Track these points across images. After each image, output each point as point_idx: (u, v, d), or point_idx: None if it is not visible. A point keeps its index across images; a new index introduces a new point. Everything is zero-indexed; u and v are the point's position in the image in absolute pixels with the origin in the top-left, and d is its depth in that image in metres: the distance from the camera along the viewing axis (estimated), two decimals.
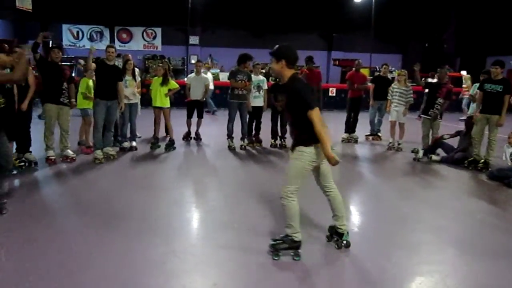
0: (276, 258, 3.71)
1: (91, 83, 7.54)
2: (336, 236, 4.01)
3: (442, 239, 4.44)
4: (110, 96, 7.05)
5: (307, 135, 3.57)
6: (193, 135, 9.06)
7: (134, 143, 8.05)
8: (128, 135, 8.16)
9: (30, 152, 6.61)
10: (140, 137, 8.74)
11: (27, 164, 6.45)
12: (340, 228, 3.96)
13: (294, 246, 3.75)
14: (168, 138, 8.37)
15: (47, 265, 3.53)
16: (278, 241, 3.78)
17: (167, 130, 8.52)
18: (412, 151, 8.11)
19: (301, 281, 3.48)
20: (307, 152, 3.59)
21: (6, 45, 6.89)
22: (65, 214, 4.78)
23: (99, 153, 7.01)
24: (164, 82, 7.96)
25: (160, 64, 8.50)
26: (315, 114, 3.47)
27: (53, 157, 6.80)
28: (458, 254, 4.09)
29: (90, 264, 3.57)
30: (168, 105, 8.10)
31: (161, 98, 7.95)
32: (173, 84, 8.14)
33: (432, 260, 3.97)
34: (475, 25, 20.24)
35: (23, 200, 5.13)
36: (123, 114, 7.76)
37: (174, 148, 8.15)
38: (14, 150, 6.33)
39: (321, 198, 4.04)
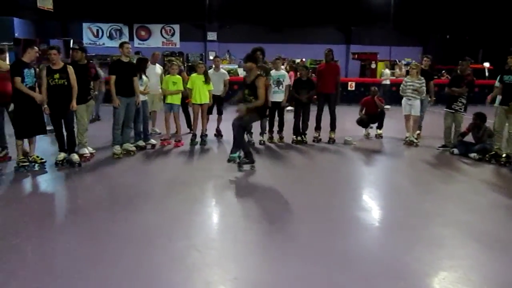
0: None
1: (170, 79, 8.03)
2: None
3: (466, 234, 4.37)
4: (128, 93, 7.13)
5: None
6: (213, 131, 9.04)
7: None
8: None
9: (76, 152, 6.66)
10: (160, 133, 8.82)
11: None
12: None
13: None
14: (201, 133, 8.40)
15: (71, 258, 3.62)
16: None
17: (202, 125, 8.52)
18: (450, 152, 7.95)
19: (316, 274, 3.48)
20: None
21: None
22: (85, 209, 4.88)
23: (117, 149, 7.16)
24: (207, 80, 8.13)
25: (200, 62, 8.86)
26: None
27: (87, 155, 6.91)
28: (482, 249, 4.02)
29: (112, 258, 3.64)
30: (208, 101, 8.25)
31: (205, 95, 8.13)
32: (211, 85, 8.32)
33: (455, 254, 3.92)
34: (499, 15, 19.74)
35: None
36: (144, 111, 7.77)
37: (205, 143, 8.30)
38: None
39: None
